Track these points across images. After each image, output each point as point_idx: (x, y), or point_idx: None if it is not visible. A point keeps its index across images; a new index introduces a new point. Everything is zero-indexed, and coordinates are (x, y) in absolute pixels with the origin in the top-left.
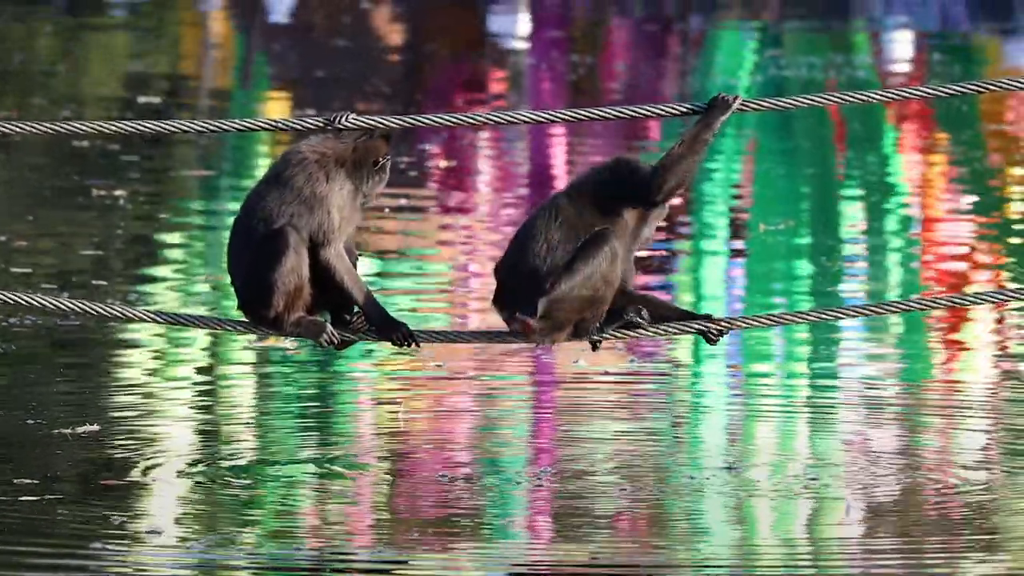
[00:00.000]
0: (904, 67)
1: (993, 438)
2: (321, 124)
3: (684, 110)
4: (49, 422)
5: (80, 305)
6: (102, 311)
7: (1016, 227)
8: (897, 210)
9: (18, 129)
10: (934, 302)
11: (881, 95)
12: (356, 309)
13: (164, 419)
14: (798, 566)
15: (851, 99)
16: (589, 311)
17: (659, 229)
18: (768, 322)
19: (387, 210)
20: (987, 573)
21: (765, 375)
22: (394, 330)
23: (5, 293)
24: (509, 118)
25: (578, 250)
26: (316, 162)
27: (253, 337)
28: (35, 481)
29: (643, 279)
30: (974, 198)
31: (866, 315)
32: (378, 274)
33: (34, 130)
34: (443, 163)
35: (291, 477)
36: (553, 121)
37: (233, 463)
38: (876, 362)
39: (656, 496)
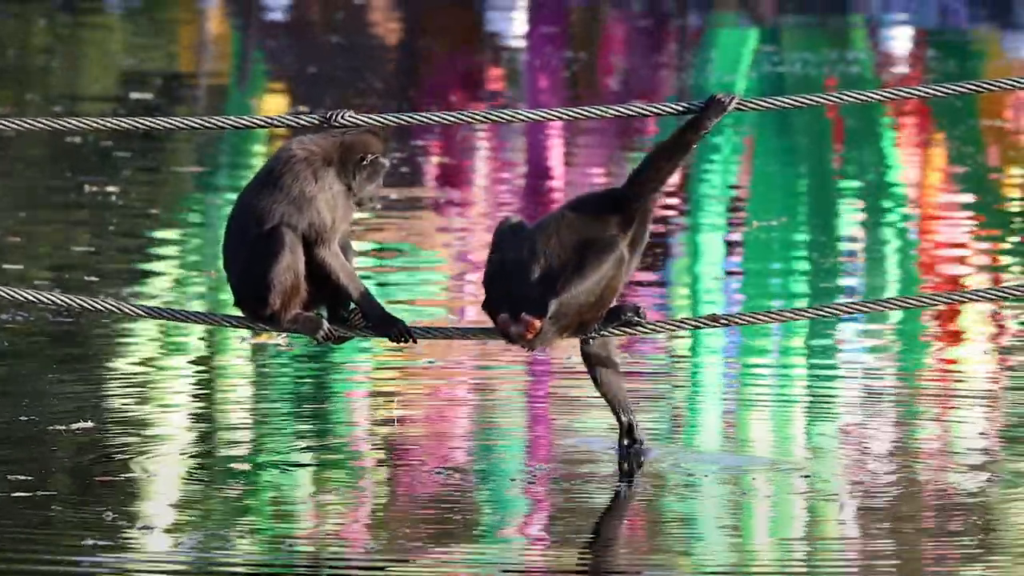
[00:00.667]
0: (902, 63)
1: (989, 433)
2: (318, 122)
3: (680, 109)
4: (43, 418)
5: (76, 301)
6: (99, 307)
7: (1014, 224)
8: (895, 208)
9: (13, 125)
10: (932, 297)
11: (881, 95)
12: (352, 305)
13: (159, 415)
14: (796, 566)
15: (850, 99)
16: (592, 313)
17: (654, 223)
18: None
19: (378, 206)
20: (986, 573)
21: (760, 365)
22: (391, 326)
23: (1, 288)
24: (506, 116)
25: (588, 255)
26: (304, 160)
27: (247, 333)
28: (29, 477)
29: (639, 276)
30: (970, 198)
31: (850, 313)
32: (374, 269)
33: (29, 126)
34: (438, 159)
35: (288, 473)
36: (550, 120)
37: (230, 460)
38: (872, 354)
39: (654, 495)
